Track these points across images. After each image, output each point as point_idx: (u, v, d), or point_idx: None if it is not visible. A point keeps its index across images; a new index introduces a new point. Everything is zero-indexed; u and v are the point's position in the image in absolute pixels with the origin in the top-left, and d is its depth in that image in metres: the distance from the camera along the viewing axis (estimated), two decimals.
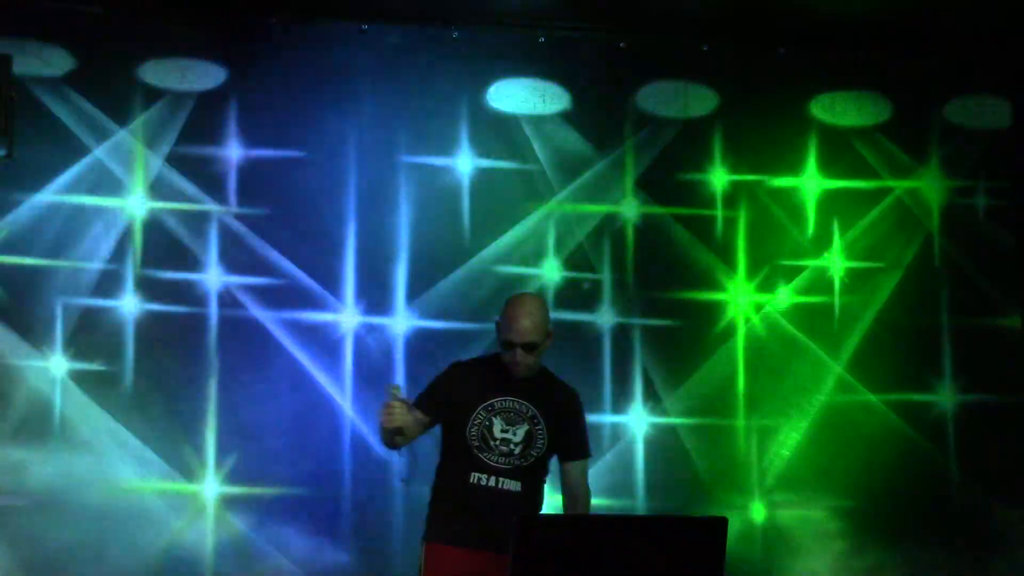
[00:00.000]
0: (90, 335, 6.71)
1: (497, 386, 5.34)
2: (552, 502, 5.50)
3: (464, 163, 7.10)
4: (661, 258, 7.20)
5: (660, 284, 7.18)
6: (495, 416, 5.33)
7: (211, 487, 6.70)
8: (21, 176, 6.62)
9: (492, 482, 5.31)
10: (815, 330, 7.26)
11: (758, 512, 7.10)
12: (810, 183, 7.34)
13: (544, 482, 5.44)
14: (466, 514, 5.28)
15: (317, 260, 6.92)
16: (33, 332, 6.66)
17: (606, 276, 7.17)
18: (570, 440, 5.40)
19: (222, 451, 6.72)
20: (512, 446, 5.31)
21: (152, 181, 6.84)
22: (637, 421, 7.09)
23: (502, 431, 5.33)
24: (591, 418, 6.96)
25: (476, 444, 5.31)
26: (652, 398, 7.12)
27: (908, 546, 7.05)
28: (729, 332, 7.21)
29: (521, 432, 5.33)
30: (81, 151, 6.77)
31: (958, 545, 7.09)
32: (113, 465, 6.63)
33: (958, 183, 7.42)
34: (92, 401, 6.66)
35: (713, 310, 7.21)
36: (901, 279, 7.33)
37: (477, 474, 5.31)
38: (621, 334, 7.13)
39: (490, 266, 7.06)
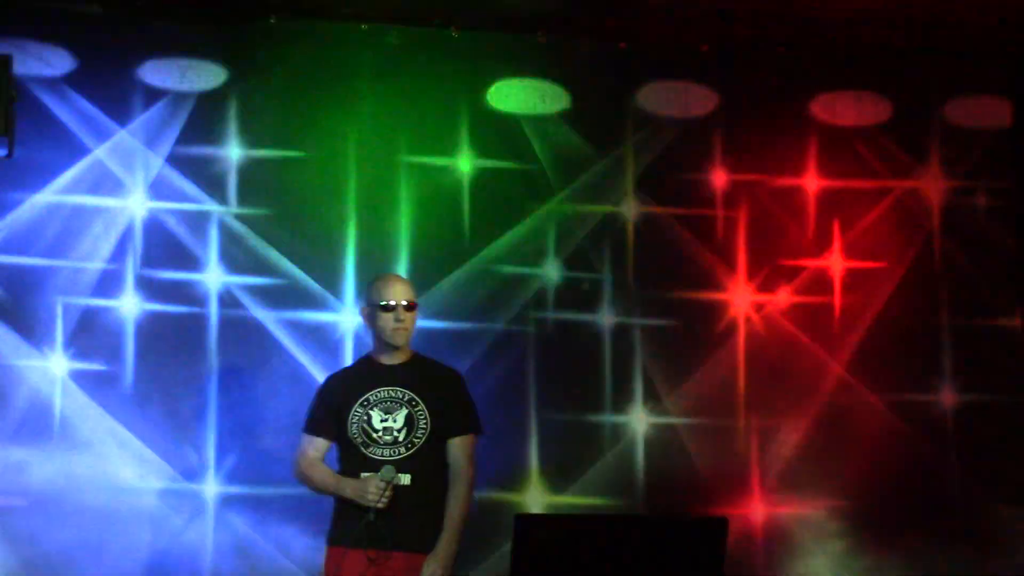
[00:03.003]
0: (90, 335, 6.70)
1: (370, 381, 5.54)
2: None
3: (464, 163, 7.10)
4: (661, 258, 7.20)
5: (660, 284, 7.17)
6: (372, 409, 5.47)
7: (211, 487, 6.70)
8: (21, 176, 6.61)
9: None
10: (815, 330, 7.25)
11: (758, 512, 7.10)
12: (810, 183, 7.34)
13: (442, 474, 5.48)
14: (363, 514, 5.38)
15: (317, 260, 6.91)
16: (33, 332, 6.66)
17: (606, 276, 7.17)
18: (449, 417, 5.49)
19: (222, 451, 6.72)
20: (396, 433, 5.44)
21: (152, 181, 6.84)
22: (637, 421, 7.09)
23: (381, 420, 5.47)
24: (591, 418, 7.05)
25: (360, 440, 5.45)
26: (652, 398, 7.12)
27: (908, 546, 7.05)
28: (729, 332, 7.21)
29: (401, 417, 5.46)
30: (81, 151, 6.76)
31: (958, 545, 7.08)
32: (113, 465, 6.63)
33: (958, 183, 7.41)
34: (92, 401, 6.65)
35: (713, 310, 7.21)
36: (901, 279, 7.32)
37: (366, 473, 5.42)
38: (621, 334, 7.13)
39: (490, 266, 7.06)
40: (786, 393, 7.18)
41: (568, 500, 6.95)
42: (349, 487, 5.42)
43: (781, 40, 7.23)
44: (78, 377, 6.67)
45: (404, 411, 5.44)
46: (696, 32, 7.16)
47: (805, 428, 7.16)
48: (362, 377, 5.60)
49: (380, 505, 5.30)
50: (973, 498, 7.16)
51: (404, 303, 5.51)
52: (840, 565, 7.07)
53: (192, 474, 6.69)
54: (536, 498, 6.93)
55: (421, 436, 5.42)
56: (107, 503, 6.60)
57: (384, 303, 5.52)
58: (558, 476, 6.98)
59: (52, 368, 6.65)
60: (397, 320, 5.50)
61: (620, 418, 7.09)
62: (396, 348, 5.55)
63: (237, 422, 6.75)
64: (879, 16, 6.94)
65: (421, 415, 5.43)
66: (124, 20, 6.79)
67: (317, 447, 5.58)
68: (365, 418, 5.44)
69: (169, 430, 6.70)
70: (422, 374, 5.57)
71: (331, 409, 5.56)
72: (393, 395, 5.47)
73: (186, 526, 6.67)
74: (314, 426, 5.61)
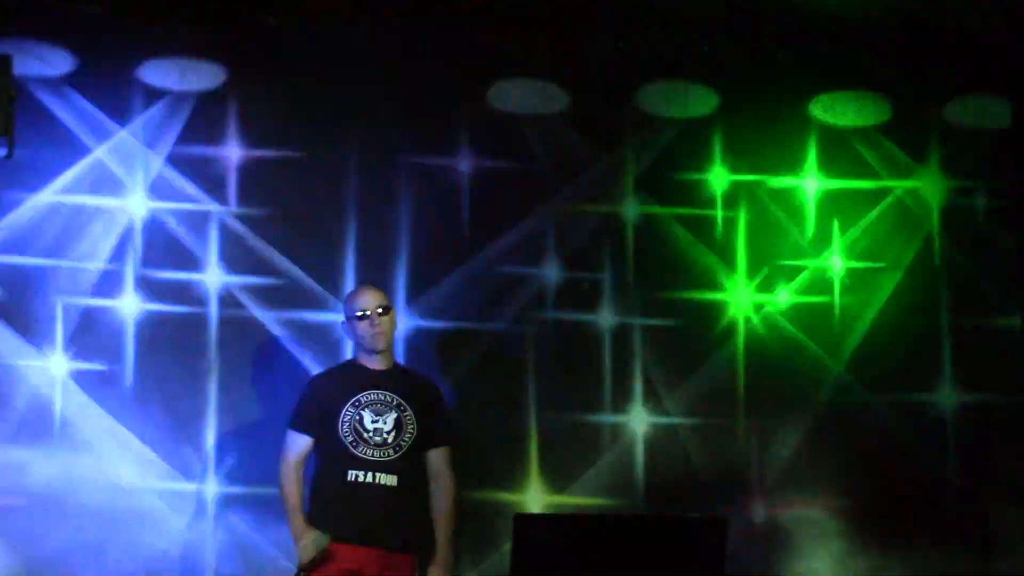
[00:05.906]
0: (90, 335, 6.70)
1: (360, 384, 5.83)
2: None
3: (464, 163, 7.10)
4: (661, 258, 7.20)
5: (660, 284, 7.17)
6: (363, 409, 5.69)
7: (211, 487, 6.70)
8: (21, 176, 6.61)
9: (369, 478, 5.64)
10: (815, 330, 7.25)
11: (758, 512, 7.10)
12: (810, 183, 7.34)
13: (422, 479, 5.81)
14: (347, 511, 5.59)
15: (317, 260, 6.92)
16: (33, 332, 6.66)
17: (606, 276, 7.17)
18: (433, 427, 5.81)
19: (222, 451, 6.72)
20: (385, 435, 5.67)
21: (152, 181, 6.84)
22: (637, 421, 7.09)
23: (372, 421, 5.69)
24: (591, 418, 7.05)
25: (350, 440, 5.65)
26: (652, 398, 7.12)
27: (908, 546, 7.04)
28: (729, 332, 7.21)
29: (390, 420, 5.70)
30: (81, 151, 6.77)
31: (958, 545, 7.08)
32: (113, 465, 6.63)
33: (958, 183, 7.41)
34: (92, 401, 6.65)
35: (713, 310, 7.21)
36: (901, 279, 7.32)
37: (354, 472, 5.68)
38: (621, 334, 7.13)
39: (490, 266, 7.06)
40: (786, 393, 7.18)
41: (568, 500, 6.95)
42: (296, 530, 5.74)
43: (781, 40, 7.23)
44: (78, 377, 6.67)
45: (393, 414, 5.66)
46: (696, 32, 7.16)
47: (805, 428, 7.16)
48: (351, 379, 5.85)
49: (303, 568, 5.56)
50: (973, 498, 7.16)
51: (378, 309, 5.84)
52: (840, 565, 7.07)
53: (192, 474, 6.70)
54: (536, 498, 6.92)
55: (408, 440, 5.67)
56: (107, 503, 6.60)
57: (359, 313, 5.84)
58: (558, 476, 6.98)
59: (52, 368, 6.65)
60: (373, 326, 5.80)
61: (620, 418, 7.09)
62: (378, 352, 5.85)
63: (237, 422, 6.75)
64: (879, 17, 6.94)
65: (409, 420, 5.68)
66: (124, 20, 6.79)
67: (301, 447, 5.83)
68: (357, 418, 5.65)
69: (169, 430, 6.70)
70: (408, 382, 5.87)
71: (320, 408, 5.78)
72: (382, 398, 5.70)
73: (186, 526, 6.67)
74: (302, 423, 5.85)
